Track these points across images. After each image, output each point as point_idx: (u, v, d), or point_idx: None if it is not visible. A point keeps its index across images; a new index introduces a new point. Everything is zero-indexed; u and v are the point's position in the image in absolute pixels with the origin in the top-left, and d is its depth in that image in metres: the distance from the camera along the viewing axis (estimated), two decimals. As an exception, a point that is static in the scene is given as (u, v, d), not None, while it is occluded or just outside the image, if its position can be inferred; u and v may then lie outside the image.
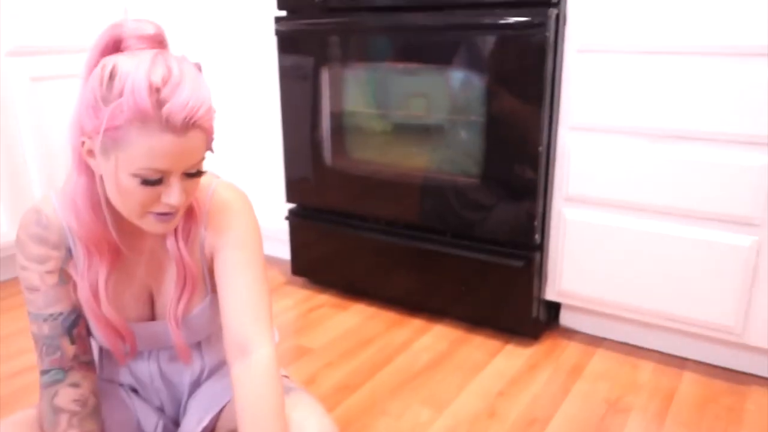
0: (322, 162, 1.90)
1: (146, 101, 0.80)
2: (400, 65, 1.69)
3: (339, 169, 1.87)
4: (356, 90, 1.78)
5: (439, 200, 1.71)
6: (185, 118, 0.83)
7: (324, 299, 1.98)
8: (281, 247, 2.31)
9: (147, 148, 0.83)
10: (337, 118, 1.84)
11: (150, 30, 0.90)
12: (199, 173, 0.91)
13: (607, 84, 1.47)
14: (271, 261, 2.33)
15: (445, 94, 1.64)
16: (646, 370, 1.56)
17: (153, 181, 0.86)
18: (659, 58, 1.40)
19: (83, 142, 0.88)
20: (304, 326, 1.81)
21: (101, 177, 0.91)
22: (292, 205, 2.06)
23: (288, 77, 1.90)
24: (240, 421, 0.97)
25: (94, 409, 1.05)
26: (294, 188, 1.99)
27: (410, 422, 1.37)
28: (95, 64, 0.87)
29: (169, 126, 0.82)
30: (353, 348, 1.68)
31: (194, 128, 0.85)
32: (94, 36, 0.91)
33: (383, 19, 1.67)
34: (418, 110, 1.69)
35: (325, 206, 1.94)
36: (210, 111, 0.88)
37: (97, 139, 0.85)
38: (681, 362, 1.59)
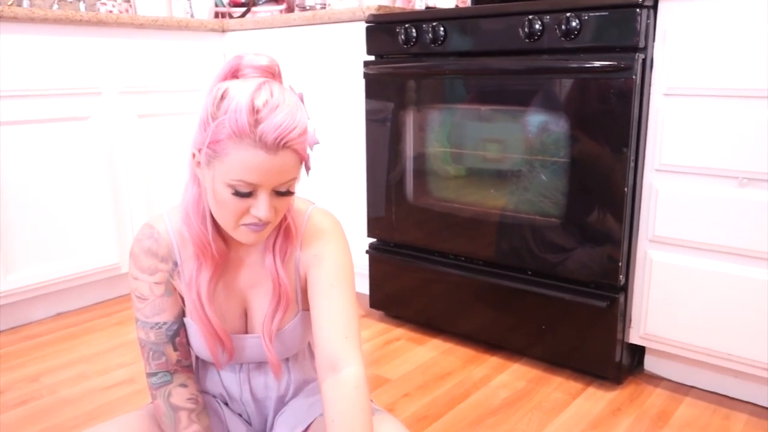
0: (404, 199, 1.95)
1: (245, 120, 0.89)
2: (484, 108, 1.74)
3: (420, 205, 1.92)
4: (438, 132, 1.84)
5: (519, 239, 1.72)
6: (276, 138, 0.90)
7: (401, 332, 2.00)
8: (360, 282, 2.36)
9: (240, 162, 0.91)
10: (419, 158, 1.90)
11: (264, 61, 0.99)
12: (288, 193, 0.97)
13: (693, 126, 1.46)
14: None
15: (528, 137, 1.67)
16: (739, 421, 1.49)
17: (244, 194, 0.93)
18: (744, 101, 1.39)
19: (194, 155, 0.97)
20: (381, 357, 1.83)
21: (206, 188, 1.00)
22: (372, 240, 2.12)
23: (374, 118, 1.98)
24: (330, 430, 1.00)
25: (204, 407, 1.12)
26: (375, 223, 2.05)
27: (489, 457, 1.36)
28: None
29: (261, 143, 0.90)
30: (430, 381, 1.69)
31: (285, 149, 0.92)
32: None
33: (470, 63, 1.73)
34: (500, 152, 1.73)
35: (404, 242, 1.98)
36: (303, 135, 0.95)
37: (203, 151, 0.94)
38: (777, 416, 1.51)
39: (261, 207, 0.95)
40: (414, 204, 1.93)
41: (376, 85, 1.96)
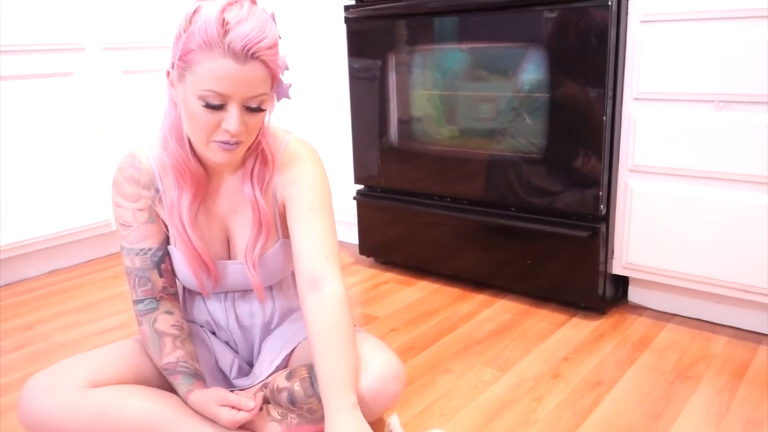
0: (389, 143, 1.96)
1: (214, 29, 0.91)
2: (464, 46, 1.74)
3: (405, 149, 1.93)
4: (420, 73, 1.84)
5: (501, 176, 1.74)
6: (245, 47, 0.92)
7: (390, 276, 2.03)
8: (349, 230, 2.38)
9: (210, 71, 0.93)
10: (403, 101, 1.90)
11: None
12: (259, 109, 0.99)
13: (670, 52, 1.47)
14: (339, 244, 2.40)
15: (508, 72, 1.67)
16: (720, 343, 1.52)
17: (214, 105, 0.95)
18: (720, 23, 1.39)
19: (168, 72, 0.99)
20: (369, 299, 1.86)
21: (180, 107, 1.01)
22: (360, 187, 2.13)
23: (356, 65, 1.98)
24: (314, 347, 1.03)
25: (189, 333, 1.15)
26: (362, 170, 2.06)
27: (473, 380, 1.39)
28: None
29: (230, 52, 0.92)
30: (418, 317, 1.72)
31: (254, 59, 0.94)
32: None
33: (448, 0, 1.74)
34: (481, 90, 1.73)
35: (391, 186, 2.00)
36: (273, 48, 0.97)
37: (176, 65, 0.96)
38: (757, 337, 1.54)
39: (231, 120, 0.97)
40: (399, 148, 1.94)
41: (357, 29, 1.96)
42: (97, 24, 2.14)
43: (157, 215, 1.12)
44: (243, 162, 1.12)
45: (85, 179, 2.18)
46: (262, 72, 0.96)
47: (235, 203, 1.15)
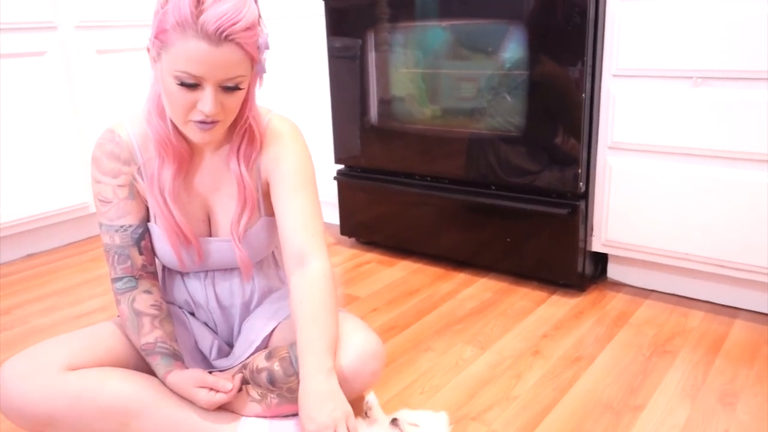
0: (369, 123, 1.95)
1: (187, 9, 0.90)
2: (445, 22, 1.72)
3: (385, 128, 1.92)
4: (402, 49, 1.83)
5: (481, 155, 1.73)
6: (218, 29, 0.90)
7: (371, 257, 2.03)
8: (330, 211, 2.37)
9: (184, 52, 0.91)
10: (382, 80, 1.89)
11: None
12: (237, 88, 0.97)
13: (649, 28, 1.47)
14: (320, 227, 2.39)
15: (488, 49, 1.66)
16: (696, 318, 1.54)
17: (189, 85, 0.94)
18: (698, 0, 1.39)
19: (148, 49, 0.97)
20: (351, 279, 1.86)
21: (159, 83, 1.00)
22: (340, 167, 2.12)
23: (335, 44, 1.96)
24: (295, 318, 1.03)
25: (168, 314, 1.14)
26: (342, 149, 2.05)
27: (454, 357, 1.40)
28: None
29: (203, 33, 0.90)
30: (399, 297, 1.72)
31: (228, 42, 0.92)
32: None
33: (428, -24, 1.71)
34: (461, 68, 1.72)
35: (371, 166, 1.99)
36: (249, 31, 0.94)
37: (154, 43, 0.95)
38: (733, 312, 1.57)
39: (206, 101, 0.95)
40: (380, 127, 1.93)
41: (336, 7, 1.93)
42: (70, 1, 2.09)
43: (138, 192, 1.11)
44: (229, 139, 1.11)
45: (61, 161, 2.15)
46: (238, 54, 0.94)
47: (218, 180, 1.13)
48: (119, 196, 1.09)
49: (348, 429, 0.96)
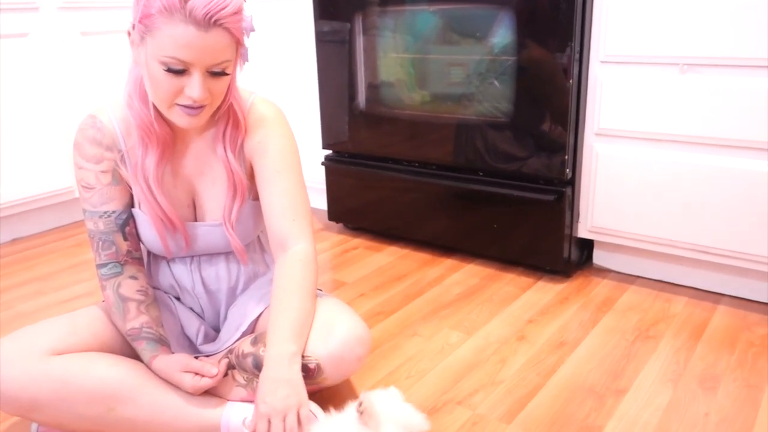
0: (357, 108, 1.94)
1: None
2: (434, 7, 1.71)
3: (373, 113, 1.91)
4: (391, 33, 1.81)
5: (469, 141, 1.73)
6: (207, 14, 0.89)
7: (359, 242, 2.03)
8: (318, 197, 2.37)
9: (171, 38, 0.90)
10: (370, 64, 1.87)
11: None
12: (223, 74, 0.97)
13: (636, 14, 1.47)
14: (308, 213, 2.39)
15: (476, 34, 1.65)
16: (680, 303, 1.56)
17: (176, 71, 0.93)
18: (693, -18, 1.39)
19: (129, 32, 0.96)
20: (338, 264, 1.86)
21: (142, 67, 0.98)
22: (328, 152, 2.11)
23: (323, 28, 1.94)
24: (270, 302, 1.04)
25: (154, 299, 1.14)
26: (329, 135, 2.04)
27: (440, 343, 1.41)
28: None
29: (191, 19, 0.89)
30: (386, 282, 1.73)
31: (217, 27, 0.91)
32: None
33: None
34: (449, 54, 1.71)
35: (359, 151, 1.98)
36: (236, 15, 0.94)
37: (136, 26, 0.93)
38: (716, 297, 1.58)
39: (195, 87, 0.94)
40: (368, 113, 1.92)
41: (324, -8, 1.91)
42: (53, -18, 2.06)
43: (121, 177, 1.10)
44: (213, 123, 1.10)
45: (45, 145, 2.12)
46: (226, 39, 0.93)
47: (202, 164, 1.13)
48: (102, 182, 1.08)
49: (299, 417, 0.95)
